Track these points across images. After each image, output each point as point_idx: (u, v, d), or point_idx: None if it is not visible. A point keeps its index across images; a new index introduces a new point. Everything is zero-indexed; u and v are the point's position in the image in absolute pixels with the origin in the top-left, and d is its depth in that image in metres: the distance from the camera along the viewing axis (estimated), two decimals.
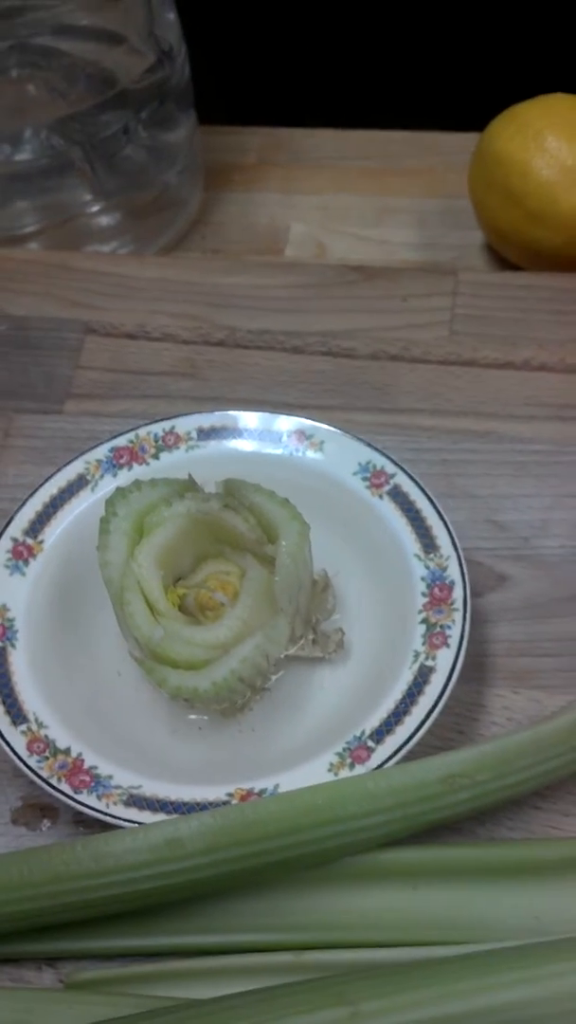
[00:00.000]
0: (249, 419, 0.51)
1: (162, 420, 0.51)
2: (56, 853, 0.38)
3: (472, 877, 0.40)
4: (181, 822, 0.38)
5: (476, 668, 0.47)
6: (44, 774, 0.41)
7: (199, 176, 0.69)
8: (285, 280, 0.61)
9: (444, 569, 0.46)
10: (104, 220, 0.65)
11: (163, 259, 0.65)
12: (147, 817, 0.40)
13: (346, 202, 0.70)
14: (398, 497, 0.48)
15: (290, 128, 0.74)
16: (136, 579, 0.43)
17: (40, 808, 0.44)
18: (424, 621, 0.45)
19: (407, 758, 0.42)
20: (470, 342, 0.58)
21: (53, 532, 0.48)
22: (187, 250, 0.68)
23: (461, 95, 0.73)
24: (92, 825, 0.43)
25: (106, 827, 0.41)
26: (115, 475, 0.49)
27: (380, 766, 0.41)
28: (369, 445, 0.49)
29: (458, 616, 0.44)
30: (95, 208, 0.64)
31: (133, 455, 0.50)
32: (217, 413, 0.51)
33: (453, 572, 0.46)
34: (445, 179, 0.70)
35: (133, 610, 0.42)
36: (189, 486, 0.45)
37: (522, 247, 0.62)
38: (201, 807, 0.40)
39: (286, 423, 0.50)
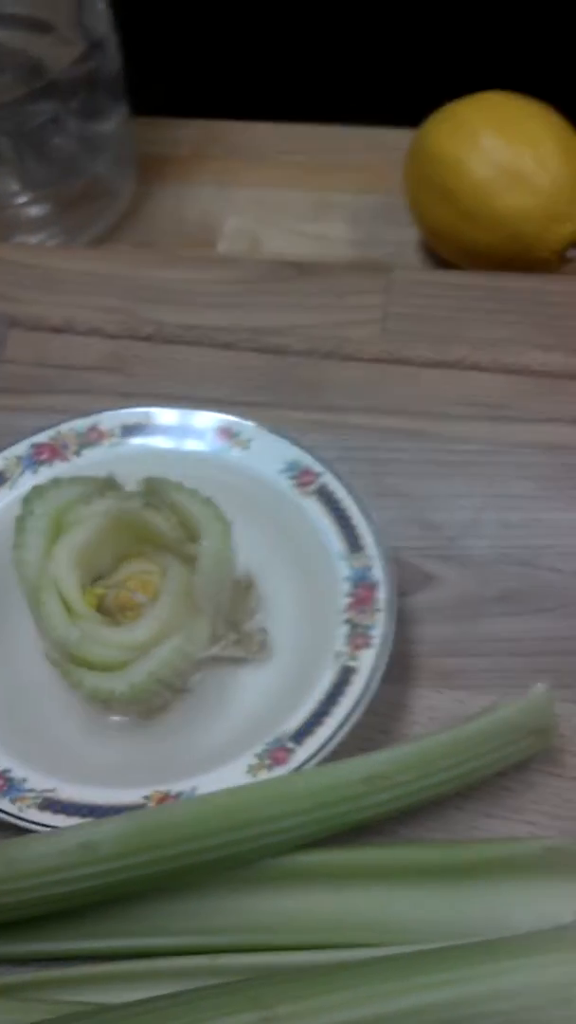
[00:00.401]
0: (173, 416, 0.50)
1: (85, 416, 0.50)
2: None
3: (394, 878, 0.40)
4: (95, 826, 0.38)
5: (401, 668, 0.47)
6: None
7: (131, 168, 0.68)
8: (218, 275, 0.60)
9: (368, 569, 0.45)
10: (32, 211, 0.64)
11: (91, 252, 0.64)
12: (61, 821, 0.40)
13: (283, 197, 0.69)
14: (324, 497, 0.48)
15: (226, 120, 0.73)
16: (52, 579, 0.42)
17: None
18: (348, 621, 0.44)
19: (329, 759, 0.41)
20: (403, 340, 0.57)
21: None
22: (117, 243, 0.67)
23: (400, 90, 0.73)
24: (7, 828, 0.42)
25: (21, 831, 0.40)
26: (36, 472, 0.48)
27: (300, 767, 0.41)
28: (296, 444, 0.49)
29: (381, 617, 0.44)
30: (23, 199, 0.63)
31: (55, 452, 0.49)
32: (141, 410, 0.50)
33: (377, 572, 0.45)
34: (383, 174, 0.70)
35: (49, 610, 0.41)
36: (109, 484, 0.45)
37: (457, 246, 0.62)
38: (117, 810, 0.40)
39: (211, 420, 0.50)
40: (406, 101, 0.69)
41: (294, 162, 0.71)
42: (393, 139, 0.71)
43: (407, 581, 0.49)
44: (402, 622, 0.47)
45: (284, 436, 0.49)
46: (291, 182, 0.70)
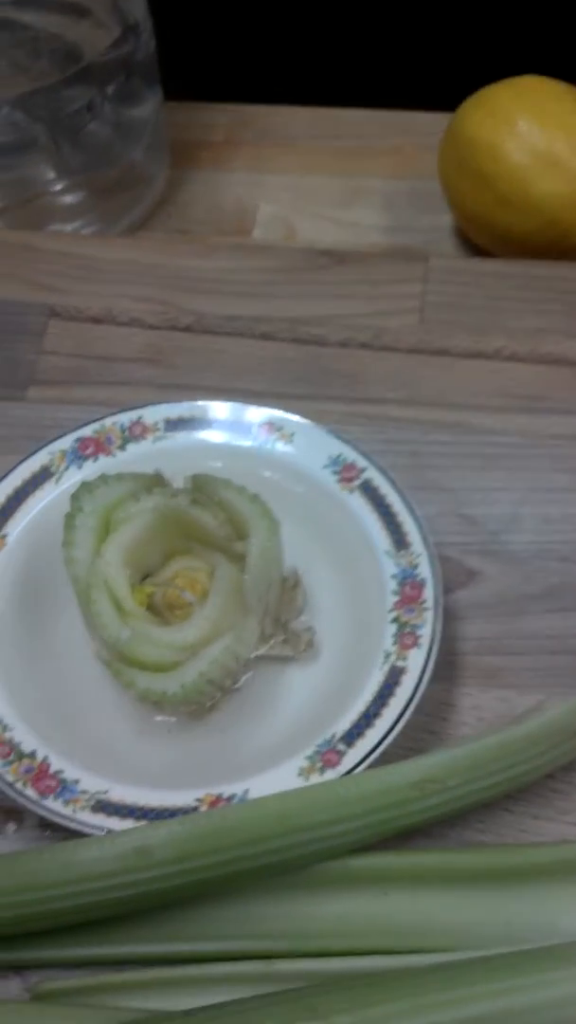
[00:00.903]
0: (218, 410, 0.49)
1: (129, 410, 0.50)
2: (22, 862, 0.37)
3: (443, 883, 0.40)
4: (149, 830, 0.38)
5: (445, 667, 0.46)
6: (9, 778, 0.40)
7: (165, 153, 0.68)
8: (254, 264, 0.60)
9: (415, 567, 0.45)
10: (68, 198, 0.63)
11: (129, 240, 0.64)
12: (114, 823, 0.39)
13: (315, 183, 0.69)
14: (369, 492, 0.47)
15: (258, 105, 0.72)
16: (103, 577, 0.42)
17: (5, 812, 0.43)
18: (395, 620, 0.44)
19: (378, 760, 0.41)
20: (441, 330, 0.57)
21: (16, 526, 0.47)
22: (152, 230, 0.66)
23: (433, 74, 0.72)
24: (59, 829, 0.42)
25: (73, 832, 0.40)
26: (80, 467, 0.48)
27: (351, 770, 0.41)
28: (339, 438, 0.48)
29: (429, 615, 0.44)
30: (59, 186, 0.63)
31: (99, 446, 0.49)
32: (185, 404, 0.50)
33: (424, 570, 0.45)
34: (416, 160, 0.69)
35: (100, 609, 0.41)
36: (157, 481, 0.44)
37: (492, 232, 0.61)
38: (169, 813, 0.40)
39: (256, 414, 0.49)
40: (438, 85, 0.68)
41: (326, 147, 0.71)
42: (425, 123, 0.71)
43: (449, 577, 0.49)
44: (445, 619, 0.46)
45: (328, 430, 0.49)
46: (323, 167, 0.69)
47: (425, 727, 0.45)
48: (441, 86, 0.67)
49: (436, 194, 0.64)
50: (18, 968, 0.40)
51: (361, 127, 0.71)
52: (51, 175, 0.61)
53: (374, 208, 0.67)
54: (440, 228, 0.66)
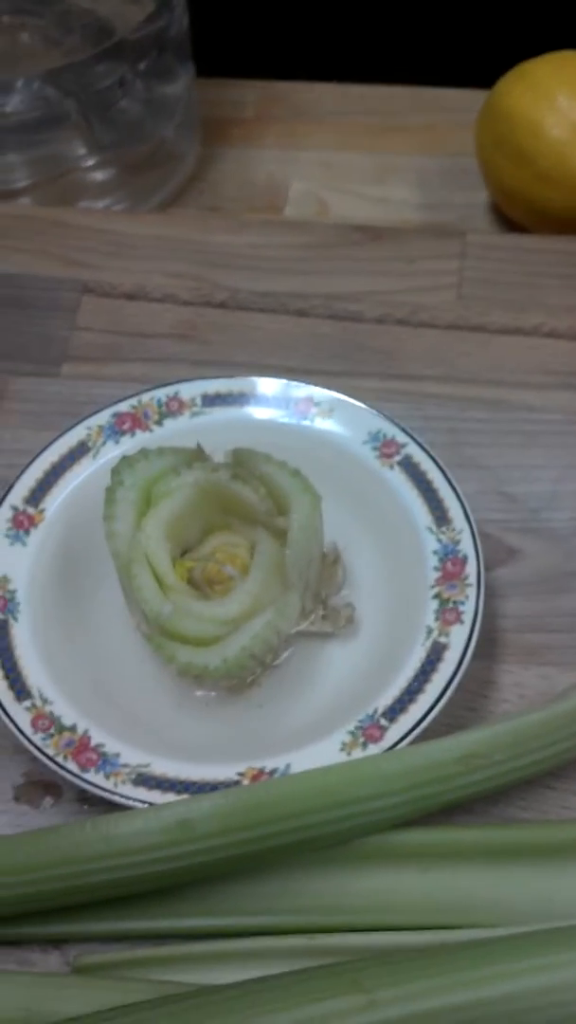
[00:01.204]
0: (256, 385, 0.49)
1: (166, 385, 0.49)
2: (65, 834, 0.37)
3: (484, 859, 0.40)
4: (192, 803, 0.37)
5: (486, 644, 0.46)
6: (50, 752, 0.40)
7: (196, 130, 0.67)
8: (288, 240, 0.60)
9: (457, 543, 0.45)
10: (99, 175, 0.63)
11: (161, 216, 0.63)
12: (156, 797, 0.39)
13: (347, 159, 0.68)
14: (409, 468, 0.47)
15: (289, 82, 0.72)
16: (144, 551, 0.41)
17: (43, 785, 0.43)
18: (436, 596, 0.44)
19: (419, 737, 0.41)
20: (478, 307, 0.56)
21: (54, 501, 0.46)
22: (184, 207, 0.66)
23: (464, 50, 0.71)
24: (97, 803, 0.42)
25: (111, 806, 0.40)
26: (117, 442, 0.48)
27: (393, 745, 0.40)
28: (379, 414, 0.48)
29: (472, 592, 0.43)
30: (89, 162, 0.62)
31: (136, 421, 0.48)
32: (223, 379, 0.49)
33: (466, 546, 0.44)
34: (448, 137, 0.69)
35: (141, 583, 0.41)
36: (197, 455, 0.44)
37: (530, 208, 0.60)
38: (211, 787, 0.39)
39: (294, 390, 0.49)
40: (469, 62, 0.68)
41: (358, 123, 0.70)
42: (457, 100, 0.70)
43: (489, 555, 0.48)
44: (486, 597, 0.46)
45: (367, 406, 0.48)
46: (356, 144, 0.69)
47: (466, 704, 0.45)
48: (473, 63, 0.66)
49: (470, 171, 0.64)
50: (58, 942, 0.39)
51: (393, 104, 0.71)
52: (82, 151, 0.61)
53: (407, 185, 0.67)
54: (476, 205, 0.65)
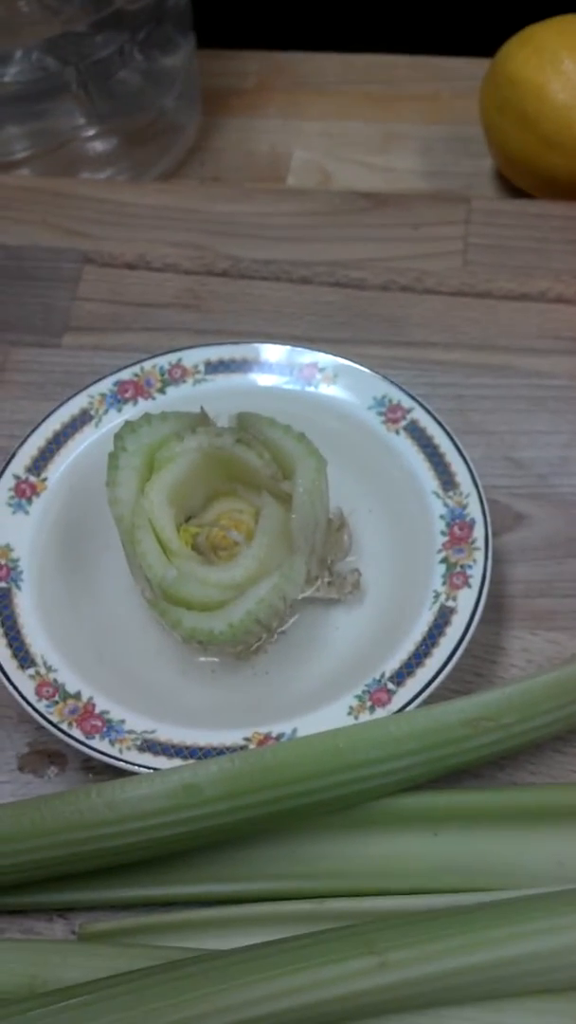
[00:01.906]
0: (260, 351, 0.48)
1: (168, 352, 0.49)
2: (69, 800, 0.37)
3: (494, 823, 0.39)
4: (199, 767, 0.37)
5: (494, 609, 0.46)
6: (54, 719, 0.40)
7: (197, 101, 0.66)
8: (291, 208, 0.59)
9: (464, 507, 0.44)
10: (98, 146, 0.62)
11: (163, 185, 0.62)
12: (162, 762, 0.39)
13: (350, 128, 0.67)
14: (415, 433, 0.46)
15: (291, 52, 0.71)
16: (147, 517, 0.41)
17: (48, 754, 0.43)
18: (444, 561, 0.43)
19: (426, 701, 0.40)
20: (484, 272, 0.56)
21: (57, 469, 0.46)
22: (185, 178, 0.65)
23: (467, 19, 0.70)
24: (102, 772, 0.41)
25: (117, 773, 0.39)
26: (120, 410, 0.47)
27: (401, 709, 0.40)
28: (385, 379, 0.47)
29: (479, 556, 0.43)
30: (89, 133, 0.62)
31: (138, 389, 0.48)
32: (226, 345, 0.49)
33: (474, 510, 0.44)
34: (451, 105, 0.68)
35: (145, 549, 0.40)
36: (201, 420, 0.44)
37: (535, 173, 0.60)
38: (217, 752, 0.39)
39: (298, 356, 0.48)
40: (471, 30, 0.67)
41: (360, 92, 0.69)
42: (459, 68, 0.70)
43: (497, 521, 0.48)
44: (493, 562, 0.45)
45: (372, 371, 0.48)
46: (358, 113, 0.68)
47: (473, 669, 0.44)
48: (475, 32, 0.66)
49: (474, 139, 0.63)
50: (63, 910, 0.39)
51: (395, 73, 0.70)
52: (81, 121, 0.60)
53: (411, 153, 0.66)
54: (480, 172, 0.64)
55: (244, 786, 0.37)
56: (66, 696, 0.40)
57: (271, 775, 0.37)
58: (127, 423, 0.43)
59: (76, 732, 0.40)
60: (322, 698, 0.41)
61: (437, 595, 0.42)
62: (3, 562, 0.44)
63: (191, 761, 0.39)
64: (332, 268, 0.56)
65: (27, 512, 0.45)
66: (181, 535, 0.42)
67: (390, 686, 0.40)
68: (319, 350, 0.49)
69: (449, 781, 0.40)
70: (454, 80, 0.69)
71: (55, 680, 0.41)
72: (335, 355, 0.49)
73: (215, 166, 0.66)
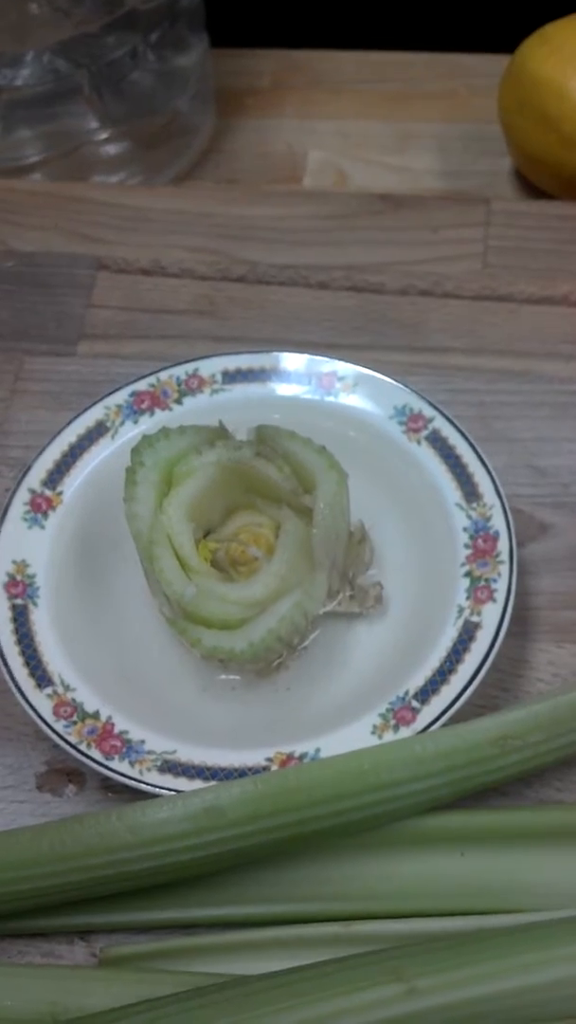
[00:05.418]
0: (277, 360, 0.48)
1: (184, 362, 0.48)
2: (89, 824, 0.36)
3: (521, 842, 0.39)
4: (221, 789, 0.36)
5: (519, 622, 0.45)
6: (72, 740, 0.39)
7: (211, 102, 0.66)
8: (307, 210, 0.58)
9: (488, 519, 0.43)
10: (111, 149, 0.62)
11: (176, 189, 0.62)
12: (183, 784, 0.38)
13: (366, 128, 0.66)
14: (437, 442, 0.45)
15: (306, 50, 0.70)
16: (166, 533, 0.40)
17: (66, 773, 0.42)
18: (467, 575, 0.42)
19: (452, 718, 0.40)
20: (505, 276, 0.55)
21: (72, 483, 0.45)
22: (200, 180, 0.64)
23: (483, 15, 0.69)
24: (121, 791, 0.41)
25: (136, 794, 0.39)
26: (136, 421, 0.47)
27: (426, 728, 0.39)
28: (405, 387, 0.47)
29: (504, 569, 0.42)
30: (102, 136, 0.61)
31: (155, 400, 0.47)
32: (243, 355, 0.48)
33: (498, 522, 0.43)
34: (469, 103, 0.67)
35: (163, 566, 0.40)
36: (219, 433, 0.43)
37: (555, 173, 0.59)
38: (239, 773, 0.38)
39: (317, 364, 0.48)
40: (488, 27, 0.66)
41: (376, 91, 0.68)
42: (476, 65, 0.69)
43: (520, 531, 0.47)
44: (518, 574, 0.45)
45: (392, 380, 0.47)
46: (374, 112, 0.67)
47: (499, 684, 0.43)
48: (492, 28, 0.65)
49: (493, 137, 0.62)
50: (84, 933, 0.39)
51: (411, 71, 0.69)
52: (94, 124, 0.60)
53: (428, 152, 0.65)
54: (499, 172, 0.63)
55: (268, 809, 0.36)
56: (84, 716, 0.40)
57: (295, 797, 0.36)
58: (144, 437, 0.42)
59: (95, 753, 0.39)
60: (345, 716, 0.40)
61: (461, 610, 0.41)
62: (19, 578, 0.43)
63: (212, 782, 0.38)
64: (349, 272, 0.55)
65: (43, 527, 0.44)
66: (200, 551, 0.41)
67: (414, 704, 0.40)
68: (338, 358, 0.48)
69: (475, 799, 0.39)
70: (471, 77, 0.68)
71: (73, 699, 0.40)
72: (354, 363, 0.48)
73: (230, 168, 0.65)
